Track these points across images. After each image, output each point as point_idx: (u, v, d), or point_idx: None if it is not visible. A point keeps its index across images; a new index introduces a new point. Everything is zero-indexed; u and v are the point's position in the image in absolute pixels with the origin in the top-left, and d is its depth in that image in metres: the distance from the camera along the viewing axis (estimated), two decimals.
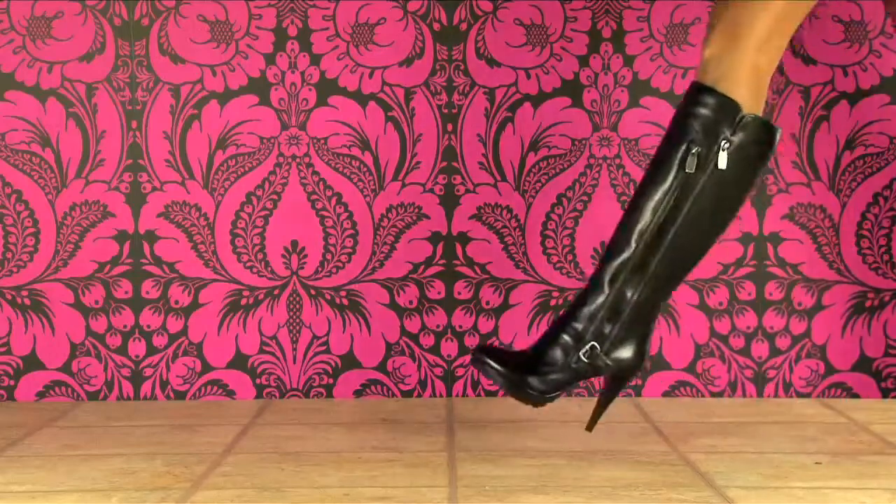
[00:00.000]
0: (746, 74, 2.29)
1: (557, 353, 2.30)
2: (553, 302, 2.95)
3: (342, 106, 2.94)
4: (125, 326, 2.95)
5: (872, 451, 2.40)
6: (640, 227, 2.29)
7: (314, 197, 2.95)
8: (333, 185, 2.95)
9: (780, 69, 2.93)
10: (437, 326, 2.96)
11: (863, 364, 2.96)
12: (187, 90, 2.94)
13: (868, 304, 2.95)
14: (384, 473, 2.22)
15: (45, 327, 2.94)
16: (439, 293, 2.95)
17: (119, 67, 2.93)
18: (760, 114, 2.31)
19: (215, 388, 2.96)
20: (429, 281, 2.95)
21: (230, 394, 2.95)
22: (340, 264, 2.96)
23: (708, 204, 2.29)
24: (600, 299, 2.30)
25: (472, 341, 2.95)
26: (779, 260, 2.95)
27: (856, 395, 2.96)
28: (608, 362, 2.31)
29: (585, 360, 2.30)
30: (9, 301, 2.94)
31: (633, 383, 2.94)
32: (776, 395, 2.96)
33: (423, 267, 2.96)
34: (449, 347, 2.96)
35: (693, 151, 2.28)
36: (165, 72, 2.93)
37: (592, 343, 2.30)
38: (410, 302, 2.96)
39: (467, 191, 2.94)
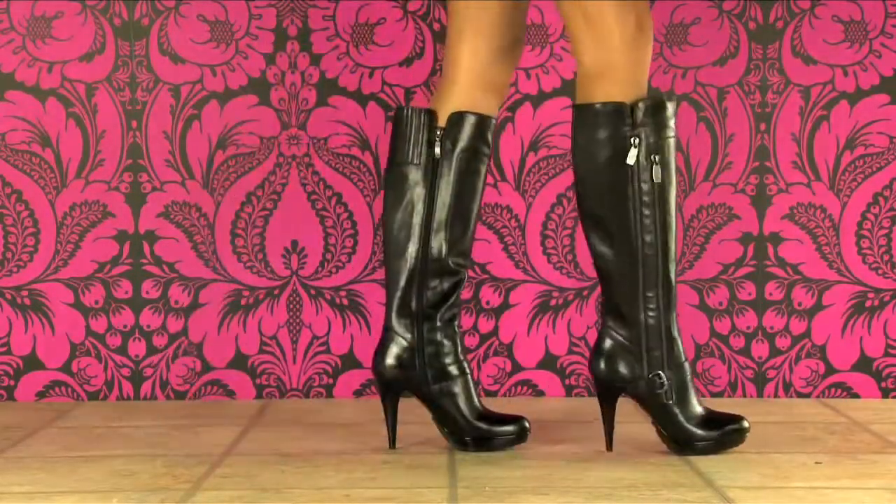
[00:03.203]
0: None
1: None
2: (553, 302, 2.95)
3: (342, 106, 2.94)
4: (125, 326, 2.95)
5: (872, 451, 2.40)
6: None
7: (314, 197, 2.95)
8: (333, 185, 2.95)
9: (780, 69, 2.94)
10: None
11: (863, 364, 2.96)
12: (187, 90, 2.94)
13: (868, 304, 2.95)
14: (384, 474, 2.22)
15: (45, 327, 2.94)
16: None
17: (119, 67, 2.93)
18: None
19: (215, 388, 2.96)
20: None
21: (230, 394, 2.95)
22: (340, 264, 2.96)
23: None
24: None
25: (472, 341, 2.95)
26: (779, 260, 2.95)
27: (856, 395, 2.96)
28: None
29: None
30: (9, 301, 2.94)
31: None
32: (776, 396, 2.96)
33: None
34: None
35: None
36: (165, 72, 2.93)
37: None
38: None
39: None
